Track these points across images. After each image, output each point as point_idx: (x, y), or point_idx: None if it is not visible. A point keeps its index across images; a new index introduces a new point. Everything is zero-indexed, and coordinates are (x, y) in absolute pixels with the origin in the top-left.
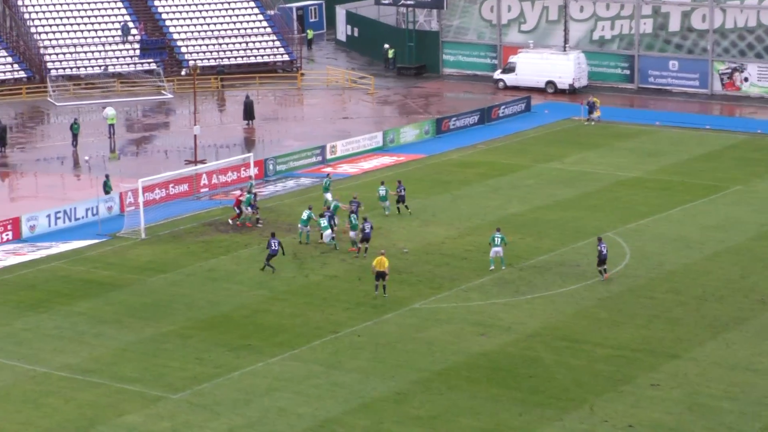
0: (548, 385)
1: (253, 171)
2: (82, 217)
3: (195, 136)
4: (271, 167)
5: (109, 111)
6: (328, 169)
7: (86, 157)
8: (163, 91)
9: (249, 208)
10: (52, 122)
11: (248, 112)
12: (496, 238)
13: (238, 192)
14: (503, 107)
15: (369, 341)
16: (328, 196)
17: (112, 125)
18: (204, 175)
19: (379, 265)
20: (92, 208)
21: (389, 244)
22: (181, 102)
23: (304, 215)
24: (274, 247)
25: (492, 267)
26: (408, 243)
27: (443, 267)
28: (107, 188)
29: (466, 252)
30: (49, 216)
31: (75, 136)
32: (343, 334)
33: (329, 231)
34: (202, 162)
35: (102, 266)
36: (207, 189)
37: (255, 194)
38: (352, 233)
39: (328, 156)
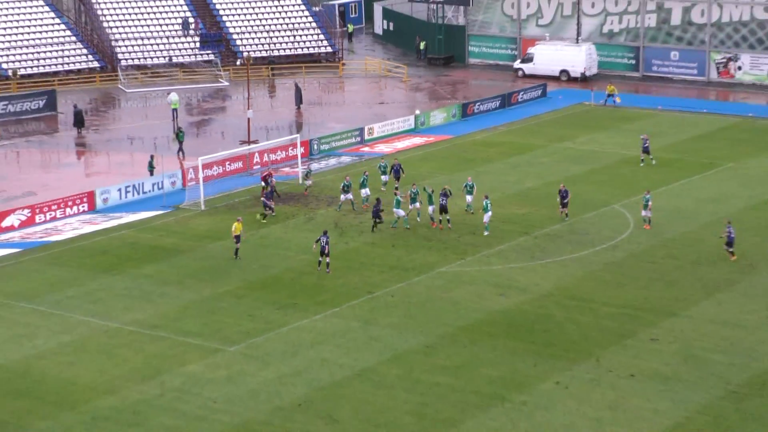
0: (559, 339)
1: (299, 150)
2: (149, 191)
3: (248, 119)
4: (315, 147)
5: (173, 96)
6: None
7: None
8: (220, 79)
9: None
10: (122, 107)
11: (298, 98)
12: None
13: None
14: (522, 93)
15: (401, 301)
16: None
17: (175, 109)
18: (256, 154)
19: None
20: (158, 182)
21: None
22: (236, 89)
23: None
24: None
25: (487, 232)
26: (435, 214)
27: (467, 236)
28: (151, 167)
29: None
30: (120, 190)
31: (181, 144)
32: (379, 294)
33: (401, 210)
34: (255, 142)
35: (166, 234)
36: (259, 166)
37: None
38: (430, 208)
39: (366, 137)
